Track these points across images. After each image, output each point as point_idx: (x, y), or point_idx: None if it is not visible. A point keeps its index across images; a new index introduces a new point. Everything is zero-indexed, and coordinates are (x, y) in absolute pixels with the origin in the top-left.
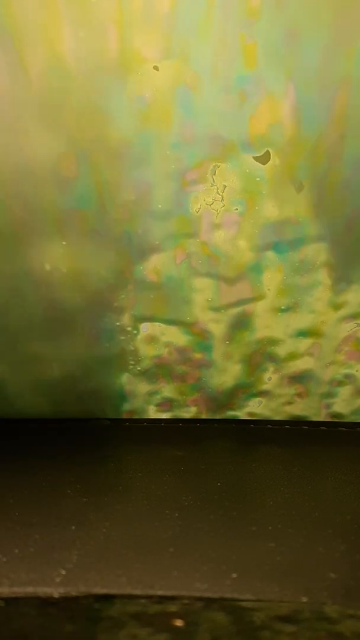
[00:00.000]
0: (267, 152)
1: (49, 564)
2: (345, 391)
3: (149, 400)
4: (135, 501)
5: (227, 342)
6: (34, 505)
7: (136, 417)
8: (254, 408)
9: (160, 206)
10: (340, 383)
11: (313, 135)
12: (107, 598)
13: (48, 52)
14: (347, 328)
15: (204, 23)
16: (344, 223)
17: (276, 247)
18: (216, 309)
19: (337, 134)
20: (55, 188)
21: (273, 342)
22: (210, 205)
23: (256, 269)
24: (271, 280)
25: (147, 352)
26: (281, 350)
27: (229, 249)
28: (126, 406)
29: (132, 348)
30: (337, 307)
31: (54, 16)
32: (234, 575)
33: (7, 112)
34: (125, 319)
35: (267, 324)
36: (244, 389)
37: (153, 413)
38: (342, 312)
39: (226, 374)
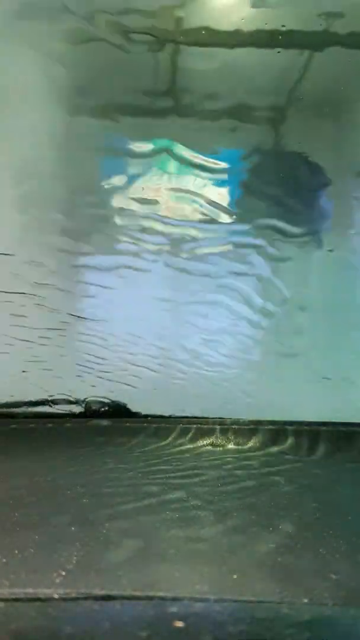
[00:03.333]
0: None
1: (49, 564)
2: None
3: None
4: (135, 502)
5: None
6: (34, 505)
7: None
8: None
9: None
10: None
11: None
12: (107, 599)
13: None
14: None
15: None
16: None
17: None
18: None
19: None
20: None
21: None
22: None
23: None
24: None
25: None
26: None
27: None
28: None
29: None
30: None
31: None
32: (235, 576)
33: None
34: None
35: None
36: None
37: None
38: None
39: None
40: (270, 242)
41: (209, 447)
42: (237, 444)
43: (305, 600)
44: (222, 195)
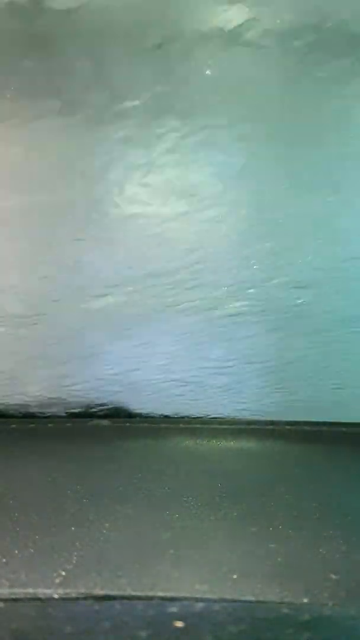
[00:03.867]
0: None
1: (49, 565)
2: None
3: None
4: (135, 502)
5: None
6: (34, 505)
7: None
8: None
9: None
10: None
11: None
12: (107, 599)
13: None
14: None
15: None
16: None
17: None
18: None
19: None
20: None
21: None
22: None
23: None
24: None
25: None
26: None
27: None
28: None
29: None
30: None
31: None
32: (235, 576)
33: None
34: None
35: None
36: None
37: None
38: None
39: None
40: None
41: (210, 447)
42: (239, 443)
43: (305, 600)
44: (222, 194)
